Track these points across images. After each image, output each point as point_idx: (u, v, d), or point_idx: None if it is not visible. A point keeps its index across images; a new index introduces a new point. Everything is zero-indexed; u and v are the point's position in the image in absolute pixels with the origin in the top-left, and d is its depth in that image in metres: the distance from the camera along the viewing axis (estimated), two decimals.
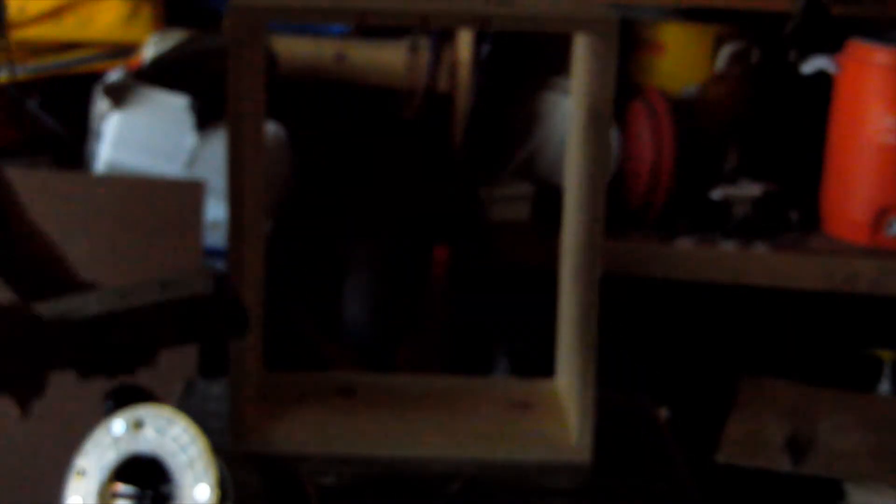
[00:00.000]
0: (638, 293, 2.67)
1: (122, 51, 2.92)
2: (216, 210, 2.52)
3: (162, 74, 2.73)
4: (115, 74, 2.72)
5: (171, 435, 1.16)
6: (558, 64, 2.70)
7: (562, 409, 1.62)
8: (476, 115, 2.73)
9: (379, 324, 2.87)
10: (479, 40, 2.70)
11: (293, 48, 2.95)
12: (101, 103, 2.68)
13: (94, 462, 1.18)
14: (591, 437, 1.52)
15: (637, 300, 2.69)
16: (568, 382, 1.59)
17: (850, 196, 2.66)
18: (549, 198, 2.59)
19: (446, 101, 2.77)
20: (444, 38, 2.95)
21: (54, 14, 2.89)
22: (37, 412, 2.29)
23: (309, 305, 2.94)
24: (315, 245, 2.92)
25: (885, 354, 2.78)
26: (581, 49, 1.54)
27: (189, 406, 1.64)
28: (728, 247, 2.63)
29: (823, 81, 2.66)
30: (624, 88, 1.60)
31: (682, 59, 2.81)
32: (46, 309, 1.30)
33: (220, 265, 2.11)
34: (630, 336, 2.59)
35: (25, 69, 2.87)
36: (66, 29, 2.91)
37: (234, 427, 1.52)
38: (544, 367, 1.70)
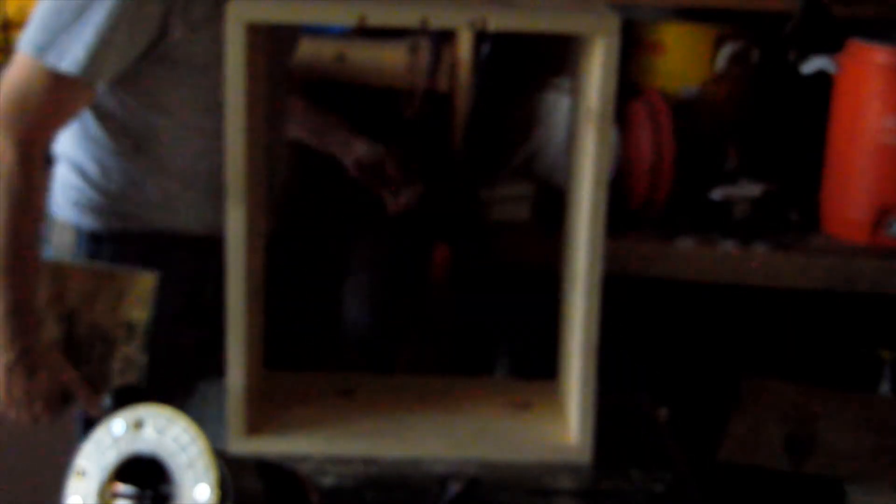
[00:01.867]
0: (638, 293, 2.67)
1: None
2: None
3: None
4: None
5: (171, 435, 1.16)
6: (558, 64, 2.71)
7: (562, 409, 1.62)
8: (476, 115, 2.73)
9: (379, 324, 2.87)
10: (479, 40, 2.70)
11: None
12: None
13: (94, 462, 1.18)
14: (591, 437, 1.52)
15: (637, 300, 2.69)
16: (568, 382, 1.59)
17: (850, 196, 2.66)
18: (549, 198, 2.59)
19: (446, 101, 2.77)
20: (444, 38, 2.95)
21: None
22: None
23: (309, 305, 2.94)
24: (315, 245, 2.92)
25: (886, 354, 2.78)
26: (582, 49, 1.54)
27: (189, 406, 1.64)
28: (728, 247, 2.63)
29: (823, 81, 2.66)
30: (624, 88, 1.61)
31: (682, 59, 2.81)
32: None
33: None
34: (630, 336, 2.59)
35: None
36: None
37: (233, 427, 1.52)
38: (544, 367, 1.70)
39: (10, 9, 2.85)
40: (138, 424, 1.17)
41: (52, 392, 1.82)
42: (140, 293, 1.84)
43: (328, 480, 1.48)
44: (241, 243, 1.49)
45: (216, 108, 1.71)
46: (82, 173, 1.92)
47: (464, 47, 2.71)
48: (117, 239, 1.90)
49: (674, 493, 1.49)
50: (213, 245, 1.75)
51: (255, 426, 1.54)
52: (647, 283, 2.63)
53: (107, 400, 1.24)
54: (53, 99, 1.75)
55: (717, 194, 2.67)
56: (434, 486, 1.46)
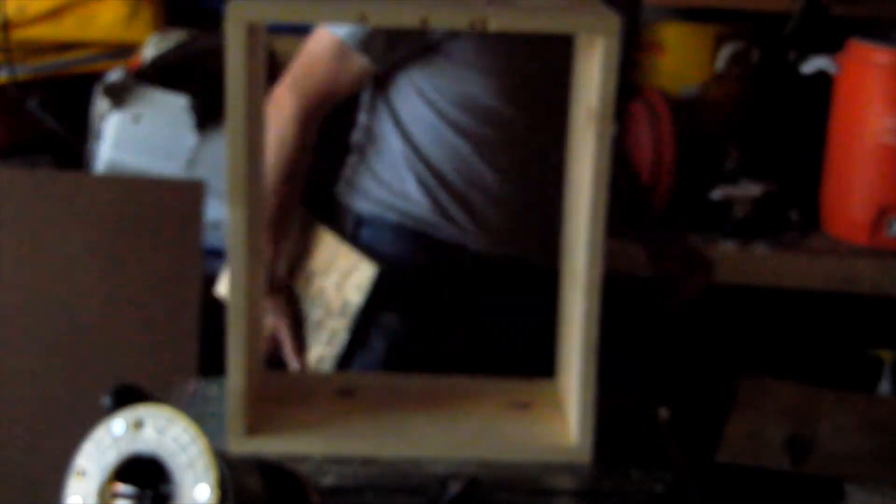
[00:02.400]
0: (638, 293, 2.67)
1: (122, 51, 2.92)
2: (216, 210, 2.52)
3: (162, 74, 2.73)
4: (115, 74, 2.72)
5: (171, 435, 1.16)
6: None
7: (562, 409, 1.62)
8: None
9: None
10: None
11: (293, 48, 2.94)
12: (101, 103, 2.68)
13: (94, 462, 1.18)
14: (591, 437, 1.52)
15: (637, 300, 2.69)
16: (568, 382, 1.59)
17: (850, 196, 2.66)
18: None
19: None
20: None
21: (54, 14, 2.89)
22: (36, 412, 2.30)
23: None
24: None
25: (885, 354, 2.78)
26: (581, 49, 1.54)
27: (189, 406, 1.64)
28: (728, 247, 2.63)
29: (823, 81, 2.67)
30: (624, 88, 1.62)
31: (682, 59, 2.81)
32: None
33: (219, 265, 2.11)
34: (630, 336, 2.59)
35: (25, 69, 2.87)
36: (66, 29, 2.91)
37: (233, 427, 1.52)
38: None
39: (10, 9, 2.85)
40: (138, 424, 1.17)
41: (268, 327, 1.96)
42: (361, 279, 1.93)
43: (328, 480, 1.48)
44: (241, 243, 1.49)
45: (476, 110, 1.87)
46: (360, 152, 2.00)
47: None
48: (375, 224, 1.97)
49: (674, 493, 1.49)
50: (483, 261, 1.93)
51: (255, 426, 1.54)
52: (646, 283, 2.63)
53: (107, 399, 1.24)
54: (332, 66, 1.87)
55: (717, 194, 2.68)
56: (434, 486, 1.46)
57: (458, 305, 1.97)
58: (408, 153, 1.94)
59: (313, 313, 1.99)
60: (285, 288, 1.99)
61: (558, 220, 2.01)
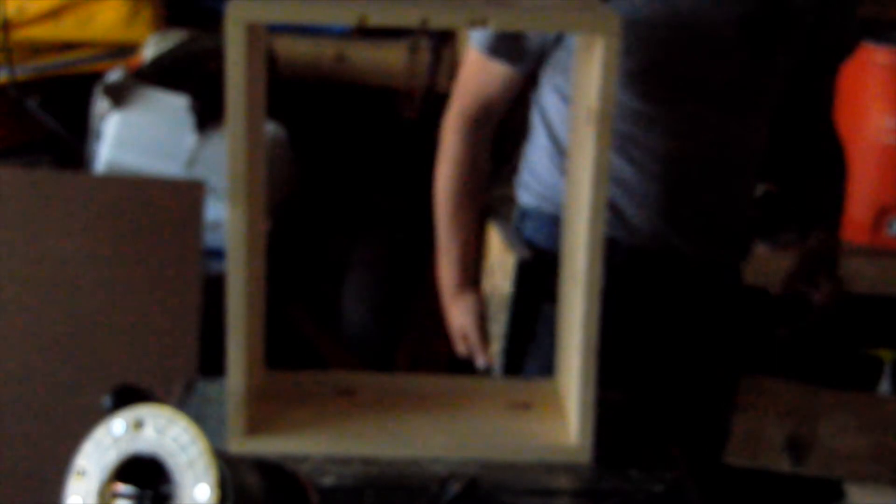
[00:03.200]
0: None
1: (122, 51, 2.92)
2: (216, 210, 2.52)
3: (162, 74, 2.73)
4: (115, 74, 2.72)
5: (171, 435, 1.16)
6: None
7: (562, 409, 1.62)
8: None
9: (379, 324, 2.86)
10: None
11: (293, 48, 2.95)
12: (101, 103, 2.68)
13: (94, 462, 1.18)
14: (591, 437, 1.52)
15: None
16: (568, 382, 1.59)
17: (851, 196, 2.66)
18: None
19: (446, 101, 2.76)
20: (444, 38, 2.95)
21: (54, 14, 2.90)
22: (36, 412, 2.29)
23: (309, 305, 2.94)
24: (315, 245, 2.92)
25: (885, 354, 2.78)
26: (581, 49, 1.54)
27: (189, 406, 1.65)
28: None
29: None
30: None
31: None
32: None
33: (220, 265, 2.11)
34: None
35: (25, 69, 2.87)
36: (66, 29, 2.91)
37: (233, 427, 1.52)
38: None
39: (10, 9, 2.85)
40: (138, 424, 1.17)
41: (458, 328, 2.04)
42: (509, 269, 1.96)
43: (328, 480, 1.48)
44: (241, 243, 1.49)
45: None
46: (526, 152, 2.08)
47: (464, 47, 2.71)
48: (535, 216, 2.02)
49: (674, 493, 1.49)
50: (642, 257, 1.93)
51: (255, 426, 1.54)
52: None
53: (107, 399, 1.24)
54: (478, 76, 1.97)
55: None
56: (434, 486, 1.46)
57: (615, 299, 1.94)
58: (551, 148, 1.98)
59: (492, 308, 2.02)
60: (473, 285, 2.05)
61: (709, 213, 2.01)
